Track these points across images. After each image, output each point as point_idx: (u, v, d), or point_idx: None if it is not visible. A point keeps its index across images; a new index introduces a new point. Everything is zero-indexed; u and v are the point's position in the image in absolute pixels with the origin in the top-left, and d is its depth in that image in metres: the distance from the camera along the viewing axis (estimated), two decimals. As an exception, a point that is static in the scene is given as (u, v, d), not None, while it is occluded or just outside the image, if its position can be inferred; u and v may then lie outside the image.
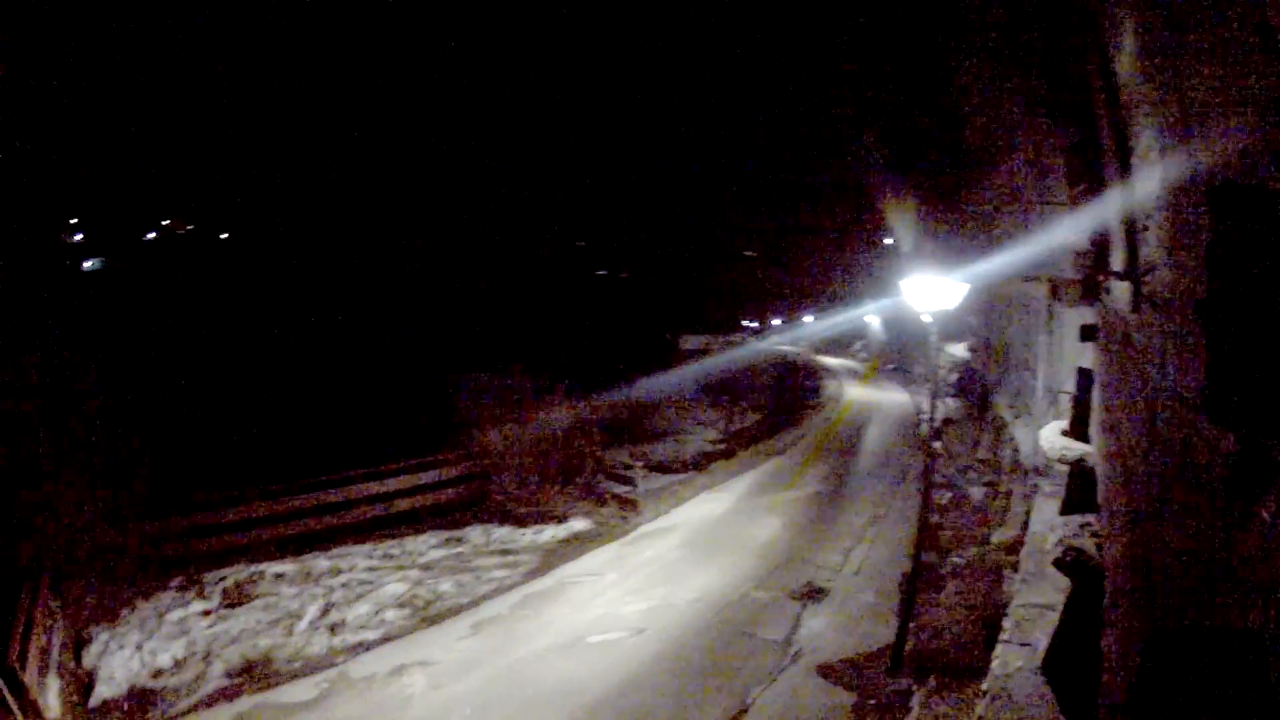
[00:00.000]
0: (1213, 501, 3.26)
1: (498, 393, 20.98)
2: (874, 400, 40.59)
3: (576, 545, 17.33)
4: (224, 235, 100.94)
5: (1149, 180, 4.40)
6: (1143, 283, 4.74)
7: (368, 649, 12.33)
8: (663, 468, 24.63)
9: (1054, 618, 6.40)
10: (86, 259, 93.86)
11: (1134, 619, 4.43)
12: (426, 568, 15.88)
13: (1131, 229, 4.96)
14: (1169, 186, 4.01)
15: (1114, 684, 4.69)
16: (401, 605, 13.93)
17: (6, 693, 9.48)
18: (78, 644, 12.63)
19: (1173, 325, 4.00)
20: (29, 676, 10.01)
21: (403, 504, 19.57)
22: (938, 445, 22.69)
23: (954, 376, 30.70)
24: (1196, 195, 3.51)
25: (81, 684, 11.57)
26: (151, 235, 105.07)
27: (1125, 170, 4.93)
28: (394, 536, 17.92)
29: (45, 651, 11.29)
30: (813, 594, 13.88)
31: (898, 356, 55.19)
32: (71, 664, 12.03)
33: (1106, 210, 5.83)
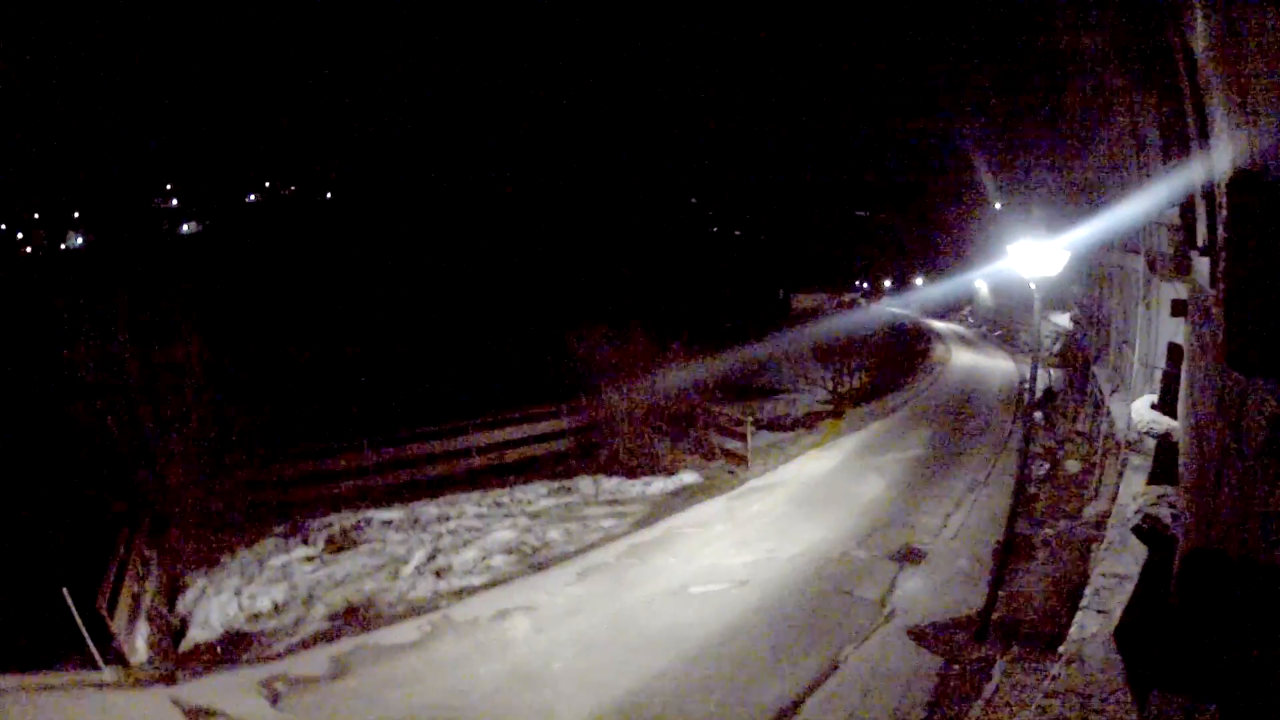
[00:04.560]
0: (1258, 462, 3.45)
1: (612, 348, 21.32)
2: (980, 365, 39.99)
3: (685, 498, 17.69)
4: (329, 195, 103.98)
5: (1222, 159, 4.47)
6: (1220, 259, 4.80)
7: (473, 593, 12.78)
8: (773, 425, 25.14)
9: (1130, 587, 6.50)
10: (183, 222, 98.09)
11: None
12: (535, 516, 16.36)
13: (1212, 205, 5.00)
14: (1234, 167, 4.11)
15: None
16: (509, 552, 14.40)
17: (89, 639, 10.06)
18: (172, 591, 13.17)
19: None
20: (117, 623, 10.52)
21: (513, 454, 20.21)
22: (1038, 415, 22.35)
23: (1056, 346, 30.03)
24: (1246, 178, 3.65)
25: (173, 629, 12.02)
26: (253, 197, 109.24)
27: (1205, 147, 4.98)
28: (504, 486, 18.53)
29: (137, 598, 11.83)
30: (910, 556, 13.91)
31: (1004, 322, 53.93)
32: (164, 610, 12.52)
33: (1193, 185, 5.84)
